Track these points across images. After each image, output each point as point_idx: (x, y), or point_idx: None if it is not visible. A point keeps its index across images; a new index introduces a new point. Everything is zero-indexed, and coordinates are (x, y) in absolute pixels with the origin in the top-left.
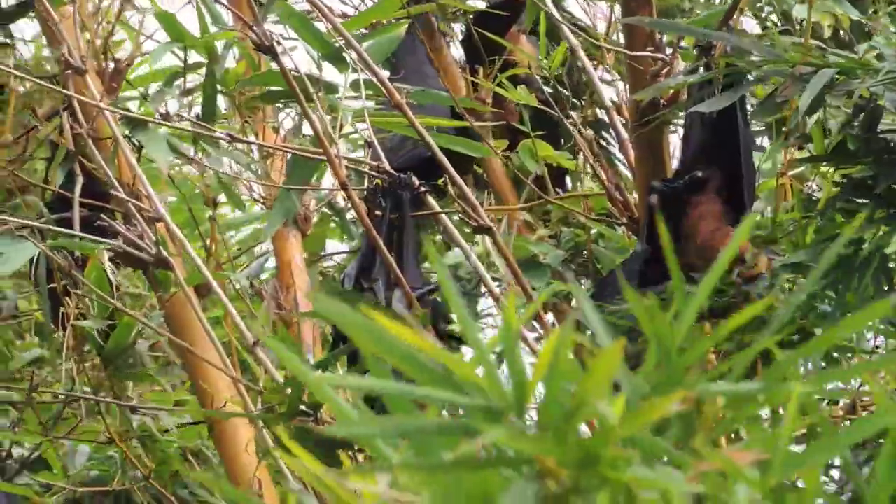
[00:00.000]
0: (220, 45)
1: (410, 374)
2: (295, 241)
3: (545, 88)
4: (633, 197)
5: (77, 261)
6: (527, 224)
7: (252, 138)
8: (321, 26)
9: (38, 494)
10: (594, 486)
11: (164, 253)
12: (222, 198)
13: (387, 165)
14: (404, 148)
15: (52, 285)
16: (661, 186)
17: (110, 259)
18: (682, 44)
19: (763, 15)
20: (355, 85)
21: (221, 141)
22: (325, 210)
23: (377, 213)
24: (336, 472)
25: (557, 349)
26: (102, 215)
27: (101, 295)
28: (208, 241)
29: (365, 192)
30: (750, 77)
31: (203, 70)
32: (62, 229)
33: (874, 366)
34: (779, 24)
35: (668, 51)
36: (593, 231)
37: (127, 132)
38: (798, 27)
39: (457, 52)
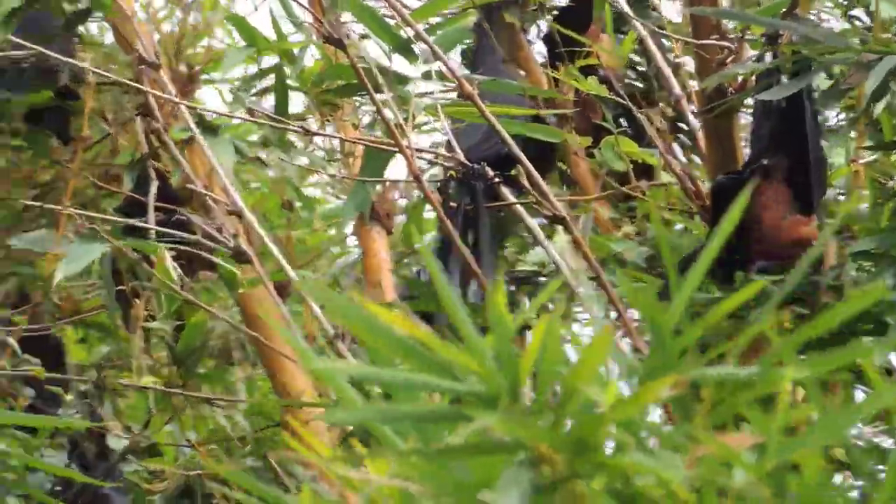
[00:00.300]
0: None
1: (404, 362)
2: (379, 238)
3: (632, 82)
4: (706, 186)
5: (149, 262)
6: (613, 221)
7: (330, 133)
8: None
9: (147, 482)
10: (590, 472)
11: (243, 245)
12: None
13: (460, 156)
14: (492, 139)
15: (121, 287)
16: (724, 178)
17: (176, 260)
18: (750, 32)
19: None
20: (427, 76)
21: (297, 143)
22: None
23: (452, 204)
24: (346, 459)
25: (547, 336)
26: (181, 210)
27: (174, 289)
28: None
29: (438, 184)
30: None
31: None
32: (129, 220)
33: (871, 350)
34: (864, 20)
35: (736, 37)
36: (678, 226)
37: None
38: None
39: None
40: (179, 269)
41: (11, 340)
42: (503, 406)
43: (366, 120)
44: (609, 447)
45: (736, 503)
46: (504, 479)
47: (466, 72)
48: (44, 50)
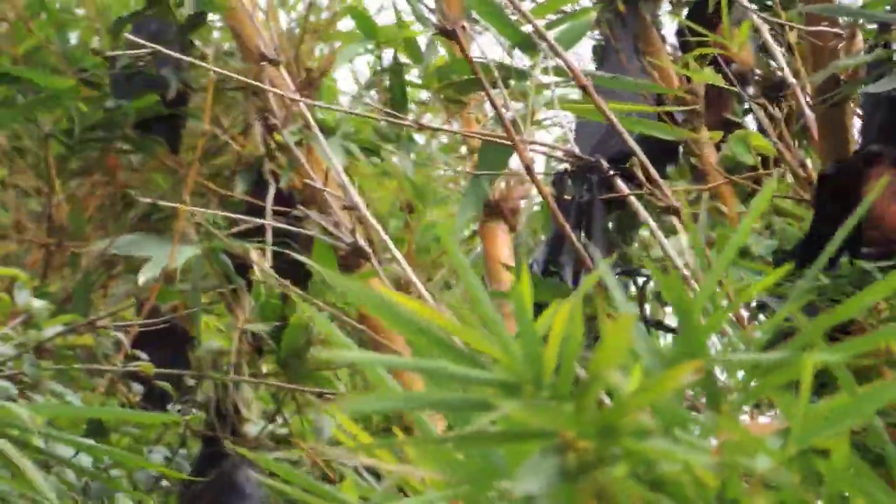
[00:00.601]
0: (422, 42)
1: (427, 350)
2: (503, 235)
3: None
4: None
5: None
6: (741, 216)
7: (443, 127)
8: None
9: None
10: (615, 459)
11: (360, 241)
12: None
13: (575, 149)
14: (615, 137)
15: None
16: (829, 167)
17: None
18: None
19: None
20: (546, 71)
21: (416, 138)
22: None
23: (566, 197)
24: (384, 448)
25: (570, 320)
26: (299, 207)
27: (283, 283)
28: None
29: (552, 177)
30: None
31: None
32: (244, 218)
33: None
34: None
35: (848, 24)
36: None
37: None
38: None
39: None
40: (270, 269)
41: (121, 336)
42: (527, 393)
43: (491, 115)
44: (636, 433)
45: (763, 489)
46: (526, 467)
47: (590, 68)
48: (161, 49)
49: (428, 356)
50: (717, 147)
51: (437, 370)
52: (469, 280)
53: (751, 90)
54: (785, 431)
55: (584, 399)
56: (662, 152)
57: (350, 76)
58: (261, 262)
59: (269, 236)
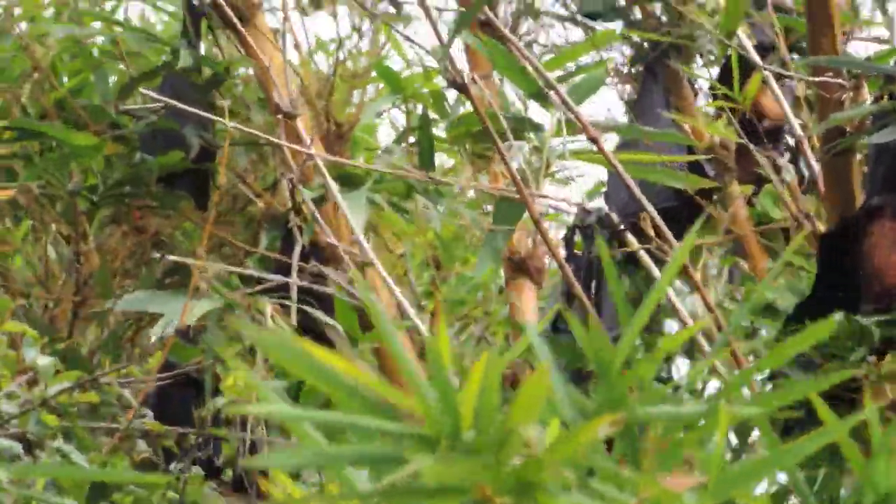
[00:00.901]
0: (452, 98)
1: (345, 404)
2: (530, 293)
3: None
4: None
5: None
6: (770, 271)
7: (458, 180)
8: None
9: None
10: None
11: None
12: None
13: (585, 204)
14: (649, 192)
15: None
16: (833, 226)
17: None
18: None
19: None
20: (563, 123)
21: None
22: None
23: (577, 252)
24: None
25: (487, 374)
26: (314, 262)
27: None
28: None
29: (565, 233)
30: None
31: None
32: (266, 275)
33: (822, 384)
34: None
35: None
36: None
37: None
38: None
39: None
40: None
41: (127, 393)
42: (443, 447)
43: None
44: (553, 488)
45: None
46: None
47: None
48: (178, 105)
49: (348, 411)
50: (749, 202)
51: (353, 424)
52: (385, 334)
53: (766, 142)
54: (702, 486)
55: (501, 453)
56: (691, 207)
57: (387, 120)
58: (271, 318)
59: (293, 293)
